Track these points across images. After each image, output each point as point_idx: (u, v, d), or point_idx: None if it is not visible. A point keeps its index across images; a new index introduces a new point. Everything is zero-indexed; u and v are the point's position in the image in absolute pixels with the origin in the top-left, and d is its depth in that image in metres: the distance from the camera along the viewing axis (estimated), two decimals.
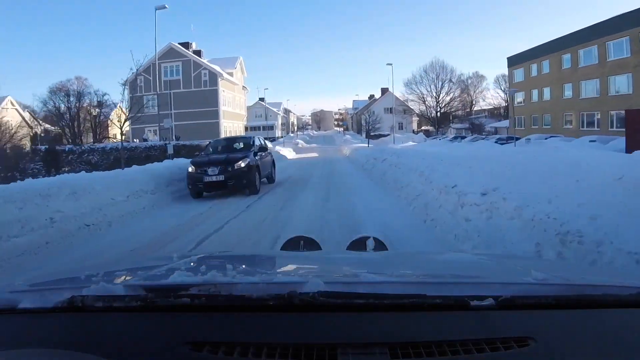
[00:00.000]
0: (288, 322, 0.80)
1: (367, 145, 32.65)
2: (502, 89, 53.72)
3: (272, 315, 0.81)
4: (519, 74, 39.47)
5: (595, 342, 0.75)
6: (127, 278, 1.16)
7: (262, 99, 70.64)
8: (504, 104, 52.90)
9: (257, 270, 1.37)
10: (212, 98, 32.83)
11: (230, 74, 36.44)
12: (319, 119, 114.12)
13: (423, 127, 65.71)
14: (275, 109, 68.75)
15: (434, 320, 0.80)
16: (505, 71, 44.44)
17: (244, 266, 1.40)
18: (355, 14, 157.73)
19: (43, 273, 1.37)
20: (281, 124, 72.56)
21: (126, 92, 20.89)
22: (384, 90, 62.71)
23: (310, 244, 2.03)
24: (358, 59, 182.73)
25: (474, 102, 59.80)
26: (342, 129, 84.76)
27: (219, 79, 33.31)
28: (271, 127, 66.72)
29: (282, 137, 62.92)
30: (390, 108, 63.70)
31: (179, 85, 32.88)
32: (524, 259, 2.30)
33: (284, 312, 0.81)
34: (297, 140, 49.45)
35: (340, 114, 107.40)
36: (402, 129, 60.47)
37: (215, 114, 33.09)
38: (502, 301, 0.82)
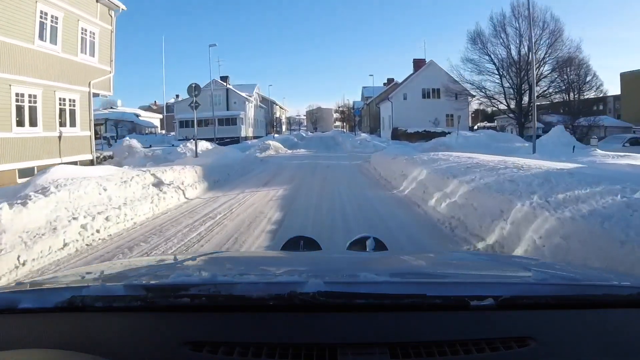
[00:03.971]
0: (288, 322, 0.80)
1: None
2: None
3: (272, 315, 0.81)
4: None
5: (595, 342, 0.74)
6: (127, 278, 1.13)
7: (224, 78, 45.25)
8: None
9: (257, 270, 1.35)
10: None
11: None
12: (316, 117, 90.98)
13: (481, 124, 41.09)
14: (244, 93, 42.31)
15: (434, 320, 0.81)
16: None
17: (243, 266, 1.37)
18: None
19: (43, 273, 1.23)
20: (254, 118, 47.05)
21: None
22: (419, 63, 37.81)
23: (310, 244, 1.99)
24: (359, 51, 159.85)
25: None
26: (354, 122, 53.25)
27: None
28: (233, 121, 40.96)
29: (253, 137, 38.14)
30: (433, 89, 38.28)
31: None
32: (524, 259, 2.31)
33: (284, 312, 0.82)
34: (270, 142, 25.00)
35: (342, 111, 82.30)
36: (449, 125, 33.07)
37: None
38: (502, 301, 0.82)
